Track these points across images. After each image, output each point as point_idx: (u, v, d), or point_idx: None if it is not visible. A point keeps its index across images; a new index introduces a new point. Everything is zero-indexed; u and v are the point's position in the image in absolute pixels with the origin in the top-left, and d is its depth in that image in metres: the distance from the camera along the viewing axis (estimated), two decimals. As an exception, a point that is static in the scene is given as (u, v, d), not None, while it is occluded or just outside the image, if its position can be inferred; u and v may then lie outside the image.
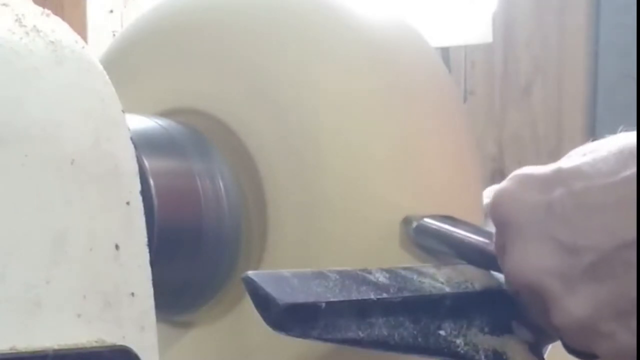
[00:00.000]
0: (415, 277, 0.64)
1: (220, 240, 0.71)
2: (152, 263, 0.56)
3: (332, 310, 0.59)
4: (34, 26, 0.55)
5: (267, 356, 0.71)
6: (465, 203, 0.73)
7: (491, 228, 0.68)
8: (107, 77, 0.57)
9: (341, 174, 0.69)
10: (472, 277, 0.67)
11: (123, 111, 0.57)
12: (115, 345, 0.53)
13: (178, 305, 0.73)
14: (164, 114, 0.75)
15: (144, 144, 0.66)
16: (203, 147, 0.73)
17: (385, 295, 0.61)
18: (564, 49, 2.43)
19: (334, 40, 0.72)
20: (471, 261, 0.68)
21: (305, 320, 0.58)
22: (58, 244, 0.52)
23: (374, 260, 0.66)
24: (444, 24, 2.18)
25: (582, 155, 0.60)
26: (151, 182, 0.67)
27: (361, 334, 0.60)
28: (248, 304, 0.60)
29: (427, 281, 0.64)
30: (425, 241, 0.69)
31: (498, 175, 2.42)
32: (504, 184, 0.63)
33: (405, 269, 0.65)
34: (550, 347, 0.71)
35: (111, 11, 2.07)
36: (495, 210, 0.62)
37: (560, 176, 0.60)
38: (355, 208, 0.69)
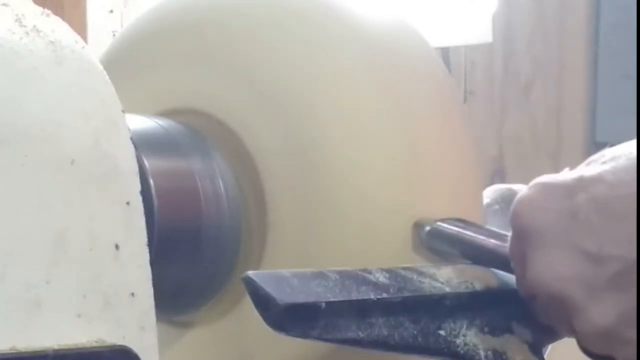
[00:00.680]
0: (415, 277, 0.64)
1: (220, 240, 0.71)
2: (152, 263, 0.56)
3: (332, 310, 0.59)
4: (34, 26, 0.55)
5: (267, 356, 0.71)
6: (466, 203, 0.73)
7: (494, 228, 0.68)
8: (107, 77, 0.57)
9: (341, 173, 0.69)
10: (472, 277, 0.67)
11: (123, 111, 0.57)
12: (115, 345, 0.53)
13: (178, 305, 0.73)
14: (164, 114, 0.75)
15: (144, 144, 0.66)
16: (203, 147, 0.73)
17: (385, 295, 0.61)
18: (564, 49, 2.43)
19: (334, 41, 0.72)
20: (485, 264, 0.68)
21: (305, 320, 0.58)
22: (58, 244, 0.52)
23: (374, 261, 0.66)
24: (444, 24, 2.18)
25: (602, 164, 0.60)
26: (151, 182, 0.67)
27: (361, 334, 0.60)
28: (248, 304, 0.60)
29: (427, 281, 0.64)
30: (438, 245, 0.70)
31: (498, 175, 2.42)
32: (525, 191, 0.63)
33: (405, 269, 0.65)
34: (550, 347, 0.71)
35: (111, 11, 2.07)
36: (516, 218, 0.62)
37: (582, 184, 0.60)
38: (355, 208, 0.69)
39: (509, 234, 0.65)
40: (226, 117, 0.73)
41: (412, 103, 0.72)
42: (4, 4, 0.56)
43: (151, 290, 0.56)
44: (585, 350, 0.62)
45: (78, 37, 0.57)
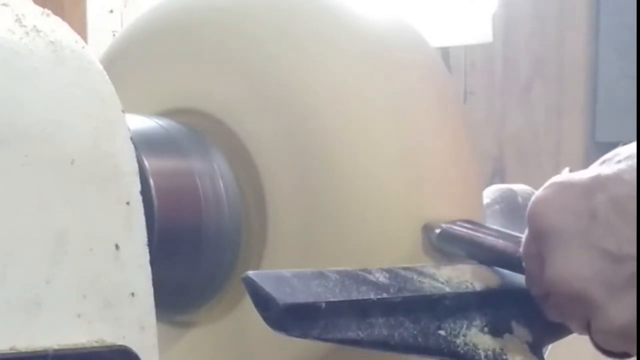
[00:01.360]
0: (415, 277, 0.64)
1: (220, 240, 0.71)
2: (152, 263, 0.56)
3: (332, 310, 0.59)
4: (34, 26, 0.55)
5: (267, 356, 0.71)
6: (466, 203, 0.73)
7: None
8: (107, 77, 0.57)
9: (341, 173, 0.69)
10: (472, 277, 0.67)
11: (123, 111, 0.57)
12: (115, 345, 0.53)
13: (178, 305, 0.73)
14: (164, 114, 0.75)
15: (144, 144, 0.66)
16: (203, 147, 0.73)
17: (385, 295, 0.61)
18: (564, 49, 2.43)
19: (334, 41, 0.72)
20: (496, 264, 0.69)
21: (305, 320, 0.58)
22: (58, 244, 0.52)
23: (374, 260, 0.66)
24: (444, 24, 2.18)
25: (617, 162, 0.61)
26: (151, 182, 0.67)
27: (361, 334, 0.60)
28: (248, 304, 0.60)
29: (427, 281, 0.64)
30: (448, 247, 0.70)
31: (498, 175, 2.42)
32: (541, 192, 0.63)
33: (405, 269, 0.65)
34: (550, 347, 0.71)
35: (111, 11, 2.07)
36: (534, 219, 0.63)
37: (600, 184, 0.60)
38: (355, 208, 0.69)
39: (520, 234, 0.65)
40: (226, 117, 0.73)
41: (412, 103, 0.72)
42: (4, 4, 0.56)
43: (151, 290, 0.56)
44: (600, 348, 0.62)
45: (78, 37, 0.57)
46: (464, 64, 2.51)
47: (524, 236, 0.65)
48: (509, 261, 0.67)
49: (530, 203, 0.63)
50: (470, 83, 2.52)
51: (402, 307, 0.62)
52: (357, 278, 0.62)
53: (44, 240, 0.52)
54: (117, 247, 0.54)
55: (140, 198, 0.56)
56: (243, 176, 0.72)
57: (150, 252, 0.56)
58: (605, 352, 0.62)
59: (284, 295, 0.57)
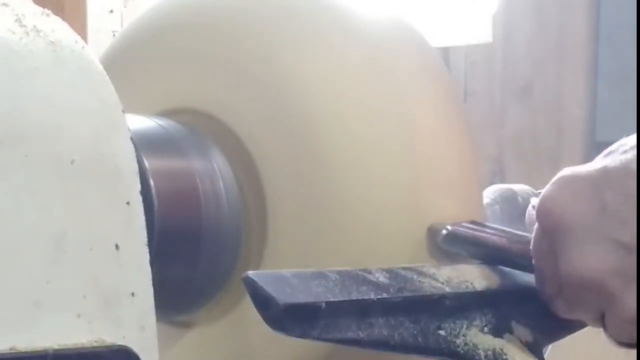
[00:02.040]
0: (415, 277, 0.64)
1: (220, 240, 0.71)
2: (152, 263, 0.56)
3: (332, 310, 0.59)
4: (34, 26, 0.55)
5: (267, 356, 0.71)
6: (466, 203, 0.73)
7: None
8: (107, 77, 0.57)
9: (341, 173, 0.69)
10: (472, 277, 0.67)
11: (123, 111, 0.57)
12: (115, 345, 0.53)
13: (178, 305, 0.73)
14: (164, 114, 0.75)
15: (144, 144, 0.66)
16: (203, 147, 0.73)
17: (385, 295, 0.61)
18: (564, 49, 2.43)
19: (334, 41, 0.72)
20: (504, 264, 0.69)
21: (305, 320, 0.58)
22: (58, 244, 0.52)
23: (374, 260, 0.66)
24: (444, 24, 2.18)
25: (622, 153, 0.61)
26: (151, 182, 0.67)
27: (361, 334, 0.60)
28: (248, 304, 0.60)
29: (427, 281, 0.64)
30: (454, 248, 0.70)
31: (498, 175, 2.42)
32: (549, 188, 0.63)
33: (405, 269, 0.65)
34: (550, 347, 0.71)
35: (111, 11, 2.07)
36: (545, 216, 0.63)
37: (609, 176, 0.61)
38: (355, 208, 0.69)
39: (524, 233, 0.65)
40: (226, 117, 0.73)
41: (412, 103, 0.72)
42: (4, 4, 0.56)
43: (151, 290, 0.56)
44: (614, 339, 0.62)
45: (78, 37, 0.57)
46: (464, 64, 2.51)
47: (532, 234, 0.65)
48: (518, 260, 0.68)
49: (539, 200, 0.64)
50: (470, 83, 2.52)
51: (402, 307, 0.62)
52: (357, 278, 0.62)
53: (44, 240, 0.52)
54: (117, 247, 0.54)
55: (140, 198, 0.56)
56: (243, 176, 0.72)
57: (150, 252, 0.56)
58: (620, 343, 0.62)
59: (284, 295, 0.57)
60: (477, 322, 0.65)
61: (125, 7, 2.08)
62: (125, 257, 0.55)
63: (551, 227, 0.62)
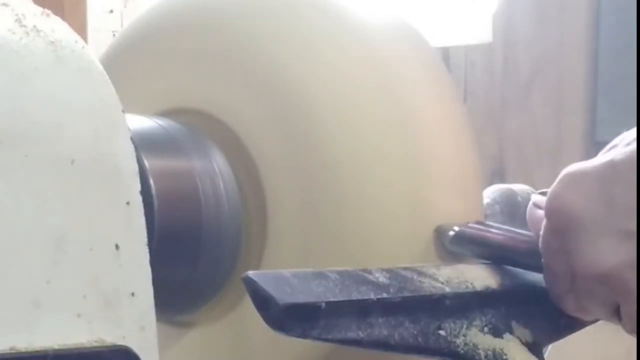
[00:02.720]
0: (415, 277, 0.64)
1: (220, 240, 0.71)
2: (152, 263, 0.56)
3: (332, 310, 0.59)
4: (34, 26, 0.55)
5: (267, 356, 0.71)
6: (467, 202, 0.73)
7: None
8: (107, 77, 0.57)
9: (342, 174, 0.69)
10: (472, 277, 0.67)
11: (123, 111, 0.57)
12: (115, 345, 0.53)
13: (178, 305, 0.73)
14: (164, 114, 0.75)
15: (144, 144, 0.66)
16: (203, 147, 0.73)
17: (385, 295, 0.61)
18: (564, 49, 2.43)
19: (334, 41, 0.72)
20: (513, 264, 0.69)
21: (305, 320, 0.58)
22: (58, 244, 0.52)
23: (374, 260, 0.66)
24: (444, 24, 2.18)
25: (626, 145, 0.61)
26: (151, 182, 0.67)
27: (361, 334, 0.60)
28: (248, 304, 0.60)
29: (427, 281, 0.64)
30: (462, 248, 0.70)
31: (498, 175, 2.42)
32: (556, 187, 0.64)
33: (405, 269, 0.65)
34: (550, 347, 0.71)
35: (111, 11, 2.07)
36: (555, 213, 0.63)
37: (616, 170, 0.61)
38: (355, 208, 0.69)
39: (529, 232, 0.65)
40: (226, 117, 0.73)
41: (413, 103, 0.72)
42: (4, 4, 0.56)
43: (151, 290, 0.56)
44: (631, 330, 0.63)
45: (78, 37, 0.57)
46: (464, 64, 2.51)
47: (541, 232, 0.65)
48: (526, 260, 0.68)
49: (547, 199, 0.64)
50: (470, 83, 2.52)
51: (402, 307, 0.62)
52: (357, 278, 0.62)
53: (44, 240, 0.52)
54: (117, 247, 0.54)
55: (140, 198, 0.56)
56: (243, 176, 0.72)
57: (150, 252, 0.56)
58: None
59: (284, 295, 0.57)
60: (477, 322, 0.65)
61: (125, 7, 2.08)
62: (125, 257, 0.55)
63: (561, 224, 0.63)
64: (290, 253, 0.70)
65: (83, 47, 0.57)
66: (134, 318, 0.55)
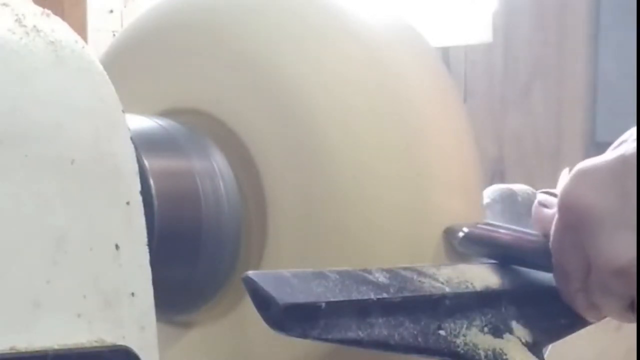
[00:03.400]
0: (415, 277, 0.64)
1: (220, 240, 0.71)
2: (152, 263, 0.56)
3: (332, 310, 0.59)
4: (34, 26, 0.55)
5: (267, 356, 0.71)
6: (467, 202, 0.73)
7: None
8: (107, 77, 0.57)
9: (342, 173, 0.69)
10: (472, 277, 0.67)
11: (123, 111, 0.57)
12: (115, 345, 0.53)
13: (178, 305, 0.73)
14: (164, 114, 0.75)
15: (144, 144, 0.66)
16: (203, 147, 0.73)
17: (385, 295, 0.61)
18: (564, 49, 2.43)
19: (334, 41, 0.72)
20: (523, 264, 0.69)
21: (305, 320, 0.58)
22: (58, 244, 0.52)
23: (374, 260, 0.66)
24: (444, 24, 2.18)
25: (634, 140, 0.61)
26: (151, 182, 0.67)
27: (361, 334, 0.60)
28: (248, 304, 0.60)
29: (427, 281, 0.64)
30: (470, 249, 0.70)
31: (498, 175, 2.42)
32: (569, 184, 0.64)
33: (405, 268, 0.65)
34: (550, 347, 0.71)
35: (111, 11, 2.07)
36: (569, 211, 0.63)
37: (628, 164, 0.61)
38: (355, 208, 0.69)
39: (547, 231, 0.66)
40: (226, 117, 0.73)
41: (413, 103, 0.72)
42: (4, 4, 0.56)
43: (151, 290, 0.56)
44: None
45: (78, 37, 0.57)
46: (464, 64, 2.51)
47: (552, 231, 0.65)
48: (535, 259, 0.68)
49: (560, 195, 0.64)
50: (470, 83, 2.52)
51: (402, 307, 0.62)
52: (357, 278, 0.62)
53: (44, 240, 0.52)
54: (117, 247, 0.54)
55: (140, 198, 0.56)
56: (243, 176, 0.72)
57: (150, 252, 0.56)
58: None
59: (284, 295, 0.57)
60: (477, 322, 0.65)
61: (125, 7, 2.08)
62: (125, 257, 0.55)
63: (576, 220, 0.63)
64: (290, 253, 0.70)
65: (83, 47, 0.57)
66: (134, 318, 0.55)
